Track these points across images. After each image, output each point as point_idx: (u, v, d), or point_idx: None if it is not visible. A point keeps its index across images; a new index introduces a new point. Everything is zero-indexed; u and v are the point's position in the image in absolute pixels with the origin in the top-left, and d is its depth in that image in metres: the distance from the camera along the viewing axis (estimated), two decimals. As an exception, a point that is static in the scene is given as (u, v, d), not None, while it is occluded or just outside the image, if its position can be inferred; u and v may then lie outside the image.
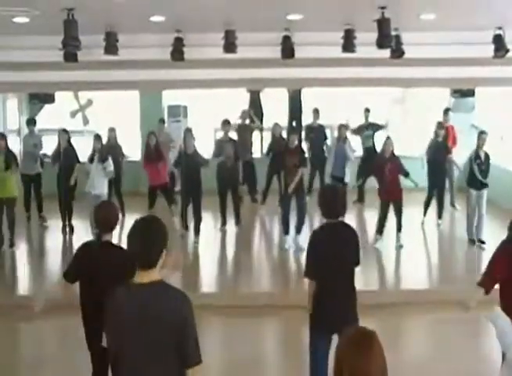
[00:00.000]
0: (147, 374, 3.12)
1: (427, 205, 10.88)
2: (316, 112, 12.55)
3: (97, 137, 10.18)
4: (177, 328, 3.05)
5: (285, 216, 9.76)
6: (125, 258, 4.57)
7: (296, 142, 9.92)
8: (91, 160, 9.92)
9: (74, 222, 10.56)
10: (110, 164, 9.96)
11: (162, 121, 12.36)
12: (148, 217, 3.35)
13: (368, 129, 12.26)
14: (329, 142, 12.40)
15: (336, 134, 11.48)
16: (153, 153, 10.63)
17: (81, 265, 4.58)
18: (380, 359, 2.48)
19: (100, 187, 9.81)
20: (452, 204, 11.87)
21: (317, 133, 12.29)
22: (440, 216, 10.87)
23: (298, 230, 9.60)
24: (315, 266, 4.86)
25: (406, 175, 9.60)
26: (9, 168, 9.42)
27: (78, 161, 10.57)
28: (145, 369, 3.10)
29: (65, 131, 10.72)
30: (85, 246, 4.78)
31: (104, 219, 4.63)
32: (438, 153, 10.78)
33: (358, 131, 12.35)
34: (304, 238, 10.08)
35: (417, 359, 6.26)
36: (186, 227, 10.22)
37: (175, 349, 3.07)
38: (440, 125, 10.97)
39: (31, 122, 11.51)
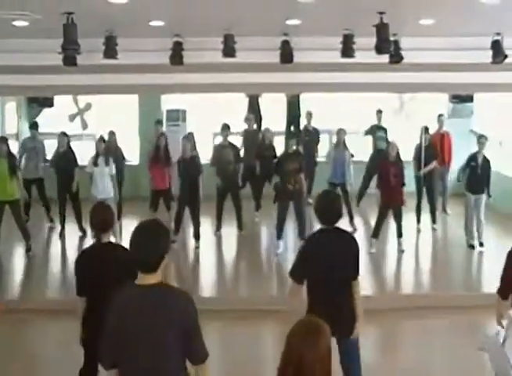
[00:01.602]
0: (153, 373, 3.15)
1: (418, 211, 10.82)
2: (309, 115, 12.56)
3: (101, 139, 10.15)
4: (183, 328, 3.10)
5: (280, 221, 9.65)
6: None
7: (294, 147, 9.90)
8: (95, 163, 9.84)
9: (74, 225, 10.57)
10: (113, 167, 9.92)
11: (159, 122, 12.25)
12: (150, 221, 3.38)
13: (381, 130, 12.25)
14: (326, 147, 12.42)
15: (334, 139, 11.37)
16: (163, 156, 10.39)
17: (87, 273, 4.54)
18: (326, 347, 2.66)
19: (106, 191, 9.71)
20: (444, 210, 11.87)
21: (312, 136, 12.32)
22: (434, 221, 10.83)
23: (301, 235, 9.39)
24: (302, 270, 4.78)
25: (403, 184, 9.56)
26: (14, 172, 9.33)
27: (77, 165, 10.55)
28: (150, 369, 3.13)
29: (64, 134, 10.68)
30: (85, 253, 4.77)
31: (102, 220, 4.61)
32: (425, 158, 10.67)
33: (370, 131, 12.35)
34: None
35: (414, 365, 6.25)
36: (177, 231, 10.00)
37: (181, 348, 3.13)
38: (426, 130, 10.86)
39: (34, 126, 11.46)
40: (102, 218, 4.62)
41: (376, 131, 12.30)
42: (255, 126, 12.45)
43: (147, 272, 3.18)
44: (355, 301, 4.79)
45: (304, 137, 12.34)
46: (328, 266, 4.65)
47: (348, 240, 4.86)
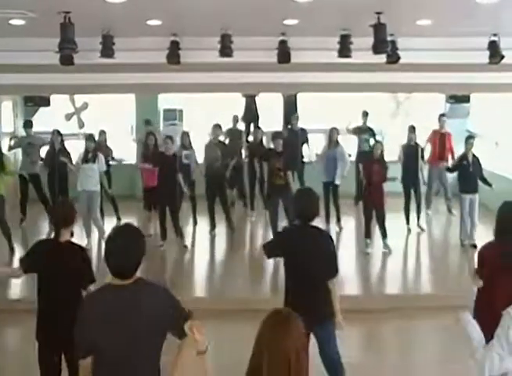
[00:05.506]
0: (134, 370, 3.10)
1: (407, 212, 10.73)
2: (296, 118, 12.45)
3: (90, 138, 10.10)
4: (167, 318, 3.06)
5: (273, 219, 9.62)
6: (86, 259, 4.53)
7: (281, 147, 9.80)
8: (84, 160, 9.73)
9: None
10: (103, 163, 9.88)
11: (148, 122, 12.02)
12: (123, 226, 3.27)
13: (366, 133, 12.25)
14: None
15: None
16: (152, 155, 10.45)
17: (40, 261, 4.44)
18: (296, 337, 2.57)
19: (90, 184, 9.62)
20: (449, 210, 11.87)
21: (296, 137, 12.19)
22: (419, 220, 10.79)
23: None
24: (273, 247, 5.04)
25: (384, 180, 9.44)
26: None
27: (71, 163, 10.55)
28: (132, 365, 3.09)
29: (58, 132, 10.65)
30: (43, 243, 4.73)
31: (62, 216, 4.50)
32: (411, 157, 10.68)
33: (355, 131, 12.32)
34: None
35: (400, 364, 6.24)
36: (165, 232, 9.78)
37: (166, 333, 3.12)
38: (412, 129, 10.89)
39: (28, 125, 11.44)
40: (63, 216, 4.50)
41: (360, 132, 12.26)
42: (243, 127, 12.45)
43: (123, 279, 3.08)
44: (332, 299, 4.80)
45: (289, 137, 12.12)
46: (302, 263, 4.72)
47: (324, 237, 4.89)
